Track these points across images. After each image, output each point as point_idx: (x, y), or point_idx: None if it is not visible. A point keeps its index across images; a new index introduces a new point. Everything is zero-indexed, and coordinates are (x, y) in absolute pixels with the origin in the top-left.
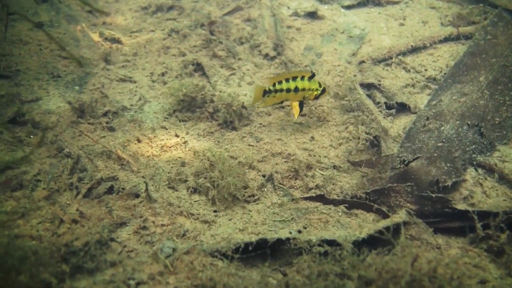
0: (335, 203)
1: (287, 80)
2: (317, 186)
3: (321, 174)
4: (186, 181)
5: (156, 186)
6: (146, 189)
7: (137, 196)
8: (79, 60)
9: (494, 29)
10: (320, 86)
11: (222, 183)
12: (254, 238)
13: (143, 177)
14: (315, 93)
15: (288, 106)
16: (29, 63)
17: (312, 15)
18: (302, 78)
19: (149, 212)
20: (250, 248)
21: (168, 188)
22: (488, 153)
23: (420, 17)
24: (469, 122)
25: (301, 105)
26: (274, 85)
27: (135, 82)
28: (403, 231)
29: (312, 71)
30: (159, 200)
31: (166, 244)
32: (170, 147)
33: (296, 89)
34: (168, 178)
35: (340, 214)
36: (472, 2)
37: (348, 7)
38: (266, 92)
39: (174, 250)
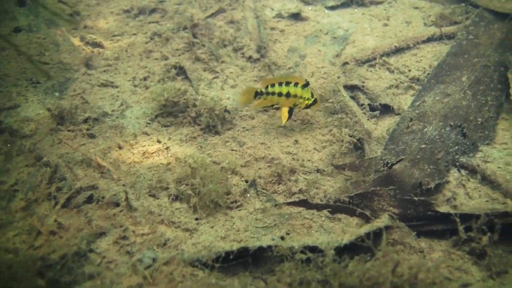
0: (318, 207)
1: (280, 84)
2: (300, 191)
3: (305, 178)
4: (167, 188)
5: (137, 194)
6: (126, 198)
7: (117, 205)
8: (46, 71)
9: (475, 29)
10: (312, 96)
11: (204, 190)
12: (235, 247)
13: (123, 185)
14: (306, 102)
15: (274, 109)
16: (7, 69)
17: (296, 16)
18: (296, 84)
19: (130, 221)
20: (231, 257)
21: (149, 196)
22: (471, 154)
23: (404, 17)
24: (452, 123)
25: (290, 111)
26: (266, 87)
27: (117, 87)
28: (385, 236)
29: (306, 80)
30: (139, 208)
31: (146, 254)
32: (152, 154)
33: (288, 95)
34: (149, 186)
35: (323, 219)
36: (454, 1)
37: (332, 8)
38: (257, 94)
39: (154, 260)
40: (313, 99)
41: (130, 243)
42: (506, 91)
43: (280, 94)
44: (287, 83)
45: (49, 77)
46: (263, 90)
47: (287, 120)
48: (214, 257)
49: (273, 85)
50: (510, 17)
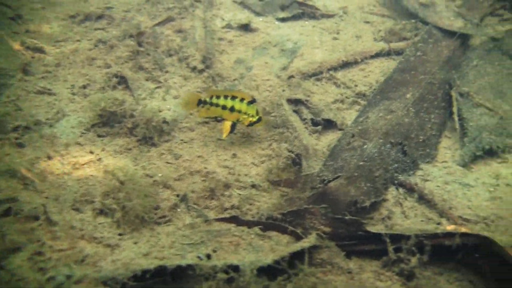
0: (249, 224)
1: (225, 97)
2: (233, 207)
3: (238, 193)
4: (93, 202)
5: (59, 208)
6: (45, 211)
7: (37, 218)
8: None
9: (424, 45)
10: (257, 113)
11: (129, 205)
12: (152, 265)
13: (47, 197)
14: (250, 119)
15: (216, 121)
16: None
17: (246, 27)
18: (242, 100)
19: (48, 236)
20: (148, 276)
21: (72, 209)
22: (411, 172)
23: (354, 31)
24: (392, 140)
25: (233, 126)
26: (211, 97)
27: (54, 94)
28: (307, 257)
29: (253, 97)
30: (60, 222)
31: (61, 271)
32: (82, 165)
33: (232, 109)
34: (73, 199)
35: (253, 236)
36: (405, 17)
37: (283, 20)
38: (200, 102)
39: (69, 277)
40: (257, 117)
41: (45, 259)
42: (450, 110)
43: (224, 107)
44: (233, 97)
45: None
46: (207, 99)
47: (228, 133)
48: (130, 275)
49: (218, 97)
50: (457, 35)
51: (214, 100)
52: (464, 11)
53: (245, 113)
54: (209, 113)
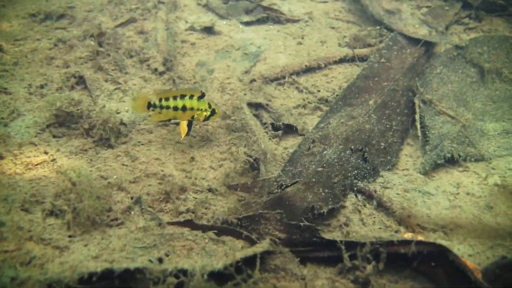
0: (204, 228)
1: (174, 98)
2: (188, 210)
3: (194, 197)
4: (43, 202)
5: (7, 208)
6: None
7: None
8: None
9: (388, 52)
10: (210, 107)
11: (80, 206)
12: (100, 268)
13: None
14: (205, 113)
15: (174, 124)
16: None
17: (209, 30)
18: (191, 97)
19: None
20: (95, 279)
21: (21, 210)
22: (371, 179)
23: (319, 37)
24: (352, 147)
25: (189, 124)
26: (160, 100)
27: (10, 93)
28: (259, 263)
29: (202, 91)
30: (8, 223)
31: (5, 272)
32: (36, 165)
33: (184, 108)
34: (23, 199)
35: (207, 241)
36: (371, 24)
37: (247, 23)
38: (150, 105)
39: (13, 279)
40: (211, 110)
41: None
42: (412, 117)
43: (176, 108)
44: (182, 96)
45: None
46: (156, 103)
47: (187, 134)
48: (77, 278)
49: (167, 99)
50: (422, 42)
51: (164, 103)
52: (430, 19)
53: (197, 109)
54: (162, 117)
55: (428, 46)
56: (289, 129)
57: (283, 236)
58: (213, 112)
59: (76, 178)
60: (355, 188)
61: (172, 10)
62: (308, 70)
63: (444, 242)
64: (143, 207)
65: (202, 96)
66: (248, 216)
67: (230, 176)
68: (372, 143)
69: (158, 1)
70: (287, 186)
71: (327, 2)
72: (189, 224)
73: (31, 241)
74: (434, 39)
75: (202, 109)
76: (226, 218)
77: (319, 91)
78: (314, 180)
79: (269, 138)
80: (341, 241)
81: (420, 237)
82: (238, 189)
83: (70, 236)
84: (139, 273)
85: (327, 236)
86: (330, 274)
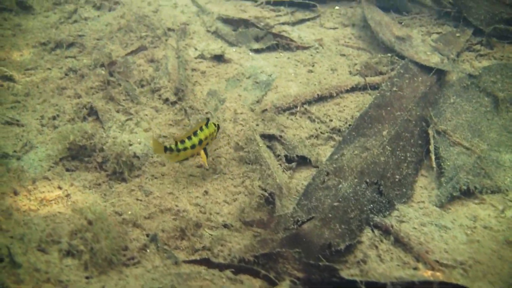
0: (221, 267)
1: (189, 138)
2: (204, 248)
3: (210, 234)
4: (59, 242)
5: (24, 248)
6: (9, 253)
7: (1, 260)
8: None
9: (400, 80)
10: (214, 125)
11: (97, 246)
12: None
13: (11, 237)
14: (215, 134)
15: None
16: None
17: (219, 57)
18: (202, 128)
19: (11, 279)
20: None
21: (38, 250)
22: (387, 213)
23: (330, 64)
24: (368, 180)
25: (205, 150)
26: (176, 144)
27: (23, 125)
28: None
29: (207, 118)
30: (24, 265)
31: None
32: (50, 201)
33: (200, 142)
34: (39, 239)
35: (224, 280)
36: (382, 51)
37: (257, 51)
38: (166, 149)
39: None
40: (216, 128)
41: None
42: (426, 148)
43: (193, 146)
44: (195, 133)
45: None
46: (173, 147)
47: (206, 158)
48: None
49: (183, 141)
50: (434, 70)
51: (180, 146)
52: (441, 46)
53: (210, 135)
54: (180, 158)
55: (440, 74)
56: (303, 161)
57: (302, 276)
58: (218, 128)
59: (91, 215)
60: (371, 223)
61: (181, 37)
62: (320, 99)
63: (466, 282)
64: (159, 245)
65: (207, 121)
66: (265, 254)
67: (246, 211)
68: (387, 176)
69: (168, 28)
70: (303, 222)
71: (337, 28)
72: (206, 262)
73: (48, 283)
74: (447, 67)
75: (212, 132)
76: (243, 256)
77: (331, 120)
78: (330, 215)
79: (283, 170)
80: (361, 281)
81: (439, 274)
82: (254, 225)
83: (87, 278)
84: None
85: (347, 275)
86: None
